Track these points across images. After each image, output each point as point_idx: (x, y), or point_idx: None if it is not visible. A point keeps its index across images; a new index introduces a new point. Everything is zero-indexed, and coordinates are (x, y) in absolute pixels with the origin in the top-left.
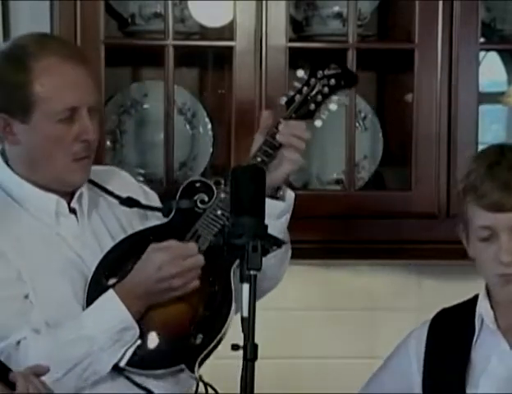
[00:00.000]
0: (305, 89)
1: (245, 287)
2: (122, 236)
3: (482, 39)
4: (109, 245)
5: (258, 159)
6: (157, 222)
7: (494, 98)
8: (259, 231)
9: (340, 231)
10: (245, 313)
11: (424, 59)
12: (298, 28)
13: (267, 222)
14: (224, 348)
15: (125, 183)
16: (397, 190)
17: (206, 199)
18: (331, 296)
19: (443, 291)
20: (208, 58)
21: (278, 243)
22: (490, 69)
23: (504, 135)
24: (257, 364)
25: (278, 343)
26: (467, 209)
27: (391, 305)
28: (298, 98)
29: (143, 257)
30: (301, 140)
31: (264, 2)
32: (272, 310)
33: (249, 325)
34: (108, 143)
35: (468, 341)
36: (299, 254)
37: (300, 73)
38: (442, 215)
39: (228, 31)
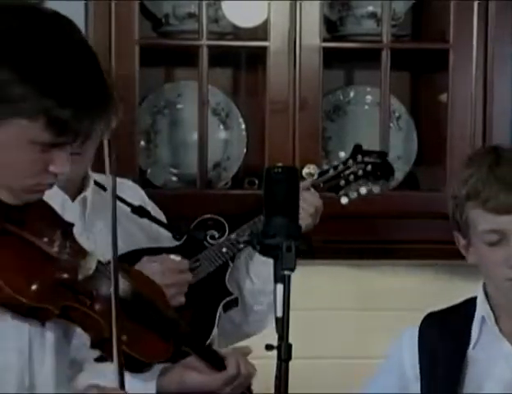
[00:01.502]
0: (341, 166)
1: (279, 288)
2: (125, 248)
3: None
4: (107, 253)
5: None
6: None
7: None
8: (292, 232)
9: (371, 231)
10: (279, 314)
11: (459, 59)
12: (332, 28)
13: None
14: (259, 349)
15: (133, 194)
16: (431, 190)
17: (216, 235)
18: (360, 296)
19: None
20: (242, 58)
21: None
22: None
23: None
24: (291, 363)
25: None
26: (468, 216)
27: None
28: (332, 172)
29: (136, 266)
30: (311, 207)
31: (298, 2)
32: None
33: (283, 325)
34: (142, 143)
35: (463, 344)
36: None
37: (342, 155)
38: None
39: (262, 31)
